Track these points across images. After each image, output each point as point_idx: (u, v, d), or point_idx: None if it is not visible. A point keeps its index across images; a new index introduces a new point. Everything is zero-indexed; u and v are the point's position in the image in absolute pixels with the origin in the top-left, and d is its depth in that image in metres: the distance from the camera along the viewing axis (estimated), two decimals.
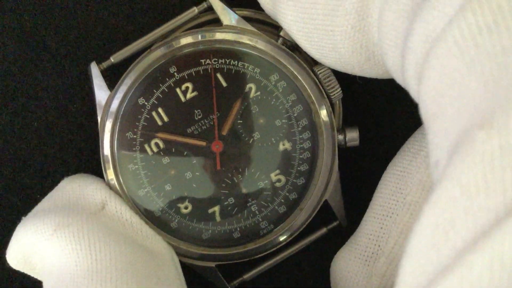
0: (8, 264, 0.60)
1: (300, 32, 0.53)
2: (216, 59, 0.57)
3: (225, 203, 0.58)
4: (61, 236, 0.51)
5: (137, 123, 0.58)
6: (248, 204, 0.58)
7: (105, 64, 0.59)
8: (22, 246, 0.53)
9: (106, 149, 0.58)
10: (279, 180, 0.58)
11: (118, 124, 0.57)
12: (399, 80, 0.48)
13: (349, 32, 0.50)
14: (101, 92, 0.58)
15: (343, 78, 0.58)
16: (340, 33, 0.50)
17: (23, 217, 0.55)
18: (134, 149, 0.58)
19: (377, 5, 0.48)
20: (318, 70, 0.57)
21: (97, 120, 0.59)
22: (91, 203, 0.54)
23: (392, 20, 0.45)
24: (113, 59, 0.59)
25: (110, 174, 0.58)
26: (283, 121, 0.58)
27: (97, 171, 0.62)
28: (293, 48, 0.58)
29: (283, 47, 0.57)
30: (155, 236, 0.55)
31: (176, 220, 0.58)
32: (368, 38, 0.49)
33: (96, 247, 0.51)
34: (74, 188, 0.56)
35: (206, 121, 0.58)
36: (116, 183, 0.57)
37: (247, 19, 0.59)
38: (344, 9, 0.49)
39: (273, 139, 0.58)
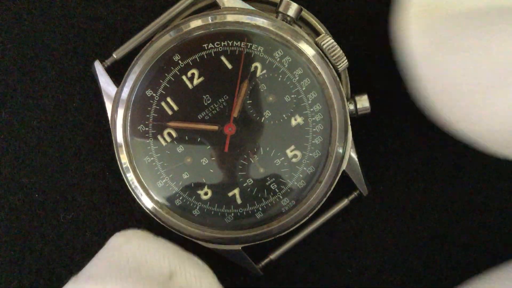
0: (5, 263, 0.61)
1: (445, 95, 0.49)
2: (219, 42, 0.57)
3: (244, 184, 0.58)
4: None
5: (147, 115, 0.58)
6: (267, 183, 0.58)
7: (108, 61, 0.59)
8: None
9: (120, 139, 0.57)
10: (295, 156, 0.58)
11: (129, 117, 0.57)
12: None
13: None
14: (108, 88, 0.58)
15: (347, 47, 0.58)
16: (503, 109, 0.47)
17: (73, 276, 0.51)
18: (147, 141, 0.58)
19: None
20: (322, 42, 0.57)
21: (96, 120, 0.60)
22: (156, 272, 0.50)
23: None
24: (115, 55, 0.59)
25: (123, 158, 0.58)
26: (292, 96, 0.58)
27: (96, 171, 0.62)
28: (294, 22, 0.58)
29: (284, 22, 0.57)
30: None
31: (198, 207, 0.58)
32: None
33: None
34: (134, 250, 0.52)
35: (216, 105, 0.58)
36: (132, 173, 0.57)
37: None
38: None
39: (284, 116, 0.58)
